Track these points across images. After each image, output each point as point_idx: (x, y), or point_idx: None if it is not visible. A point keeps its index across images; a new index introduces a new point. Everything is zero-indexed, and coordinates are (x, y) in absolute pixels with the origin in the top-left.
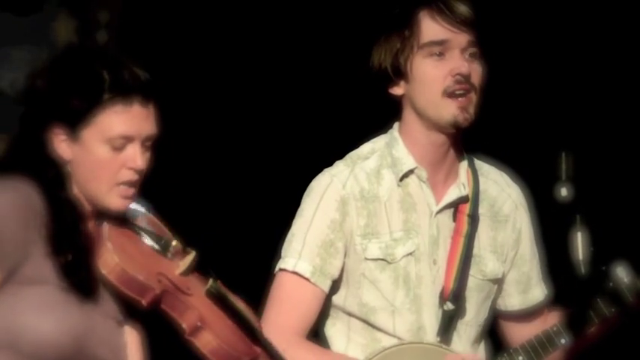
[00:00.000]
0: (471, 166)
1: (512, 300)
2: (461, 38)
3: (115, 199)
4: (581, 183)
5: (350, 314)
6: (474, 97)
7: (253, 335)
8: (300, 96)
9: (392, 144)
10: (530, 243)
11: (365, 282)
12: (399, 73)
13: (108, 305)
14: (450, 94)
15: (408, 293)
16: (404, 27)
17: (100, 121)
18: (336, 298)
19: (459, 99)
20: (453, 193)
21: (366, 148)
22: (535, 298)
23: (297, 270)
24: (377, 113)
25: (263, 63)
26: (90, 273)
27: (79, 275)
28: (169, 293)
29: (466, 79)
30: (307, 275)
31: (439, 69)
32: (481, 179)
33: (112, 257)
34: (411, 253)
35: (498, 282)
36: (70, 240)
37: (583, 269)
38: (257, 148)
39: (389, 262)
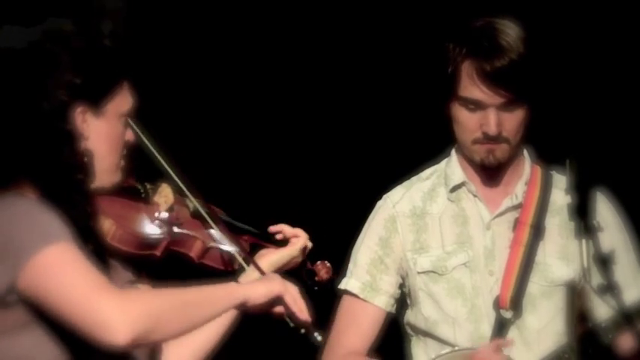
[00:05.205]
0: (544, 177)
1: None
2: (496, 99)
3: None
4: (586, 190)
5: (422, 332)
6: (505, 145)
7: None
8: (370, 121)
9: (448, 162)
10: (618, 245)
11: (422, 295)
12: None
13: (121, 273)
14: (480, 143)
15: (465, 303)
16: (448, 64)
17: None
18: (410, 318)
19: (489, 144)
20: (504, 205)
21: (428, 170)
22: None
23: (347, 288)
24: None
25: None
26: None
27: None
28: (175, 234)
29: (495, 137)
30: (356, 292)
31: (472, 121)
32: (554, 191)
33: (109, 225)
34: (464, 264)
35: (573, 287)
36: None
37: (588, 277)
38: (326, 178)
39: (440, 274)
